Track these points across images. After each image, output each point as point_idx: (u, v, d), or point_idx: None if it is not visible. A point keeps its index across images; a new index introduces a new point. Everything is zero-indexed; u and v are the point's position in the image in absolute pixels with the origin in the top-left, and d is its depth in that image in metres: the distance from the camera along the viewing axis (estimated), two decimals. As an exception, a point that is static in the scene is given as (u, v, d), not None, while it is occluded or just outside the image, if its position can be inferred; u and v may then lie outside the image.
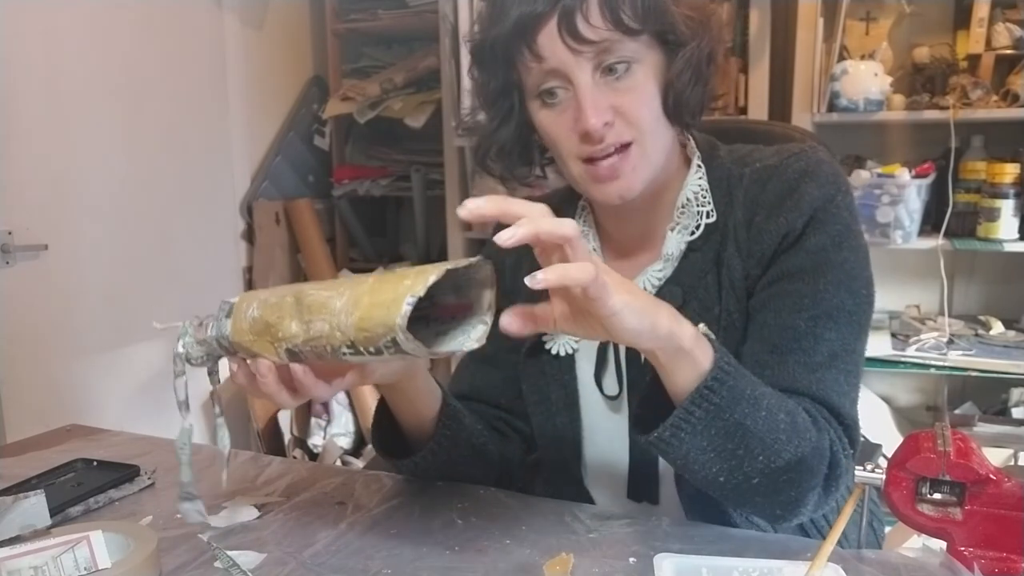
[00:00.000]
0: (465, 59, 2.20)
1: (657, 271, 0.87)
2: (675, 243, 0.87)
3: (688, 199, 0.87)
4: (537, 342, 0.93)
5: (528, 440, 0.99)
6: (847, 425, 0.78)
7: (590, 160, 0.79)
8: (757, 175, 0.84)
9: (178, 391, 0.71)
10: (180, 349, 0.70)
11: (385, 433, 0.86)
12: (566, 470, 0.95)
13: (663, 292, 0.86)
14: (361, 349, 0.61)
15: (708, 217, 0.85)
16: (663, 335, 0.65)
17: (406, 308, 0.58)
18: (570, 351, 0.92)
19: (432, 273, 0.58)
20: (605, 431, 0.92)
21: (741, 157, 0.88)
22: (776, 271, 0.81)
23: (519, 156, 0.89)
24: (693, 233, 0.86)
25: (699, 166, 0.88)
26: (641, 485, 0.90)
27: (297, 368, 0.67)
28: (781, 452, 0.70)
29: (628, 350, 0.89)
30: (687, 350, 0.67)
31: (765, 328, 0.81)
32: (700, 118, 0.85)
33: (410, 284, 0.59)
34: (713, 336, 0.70)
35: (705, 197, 0.86)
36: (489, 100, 0.84)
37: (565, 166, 0.82)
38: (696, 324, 0.82)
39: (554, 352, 0.93)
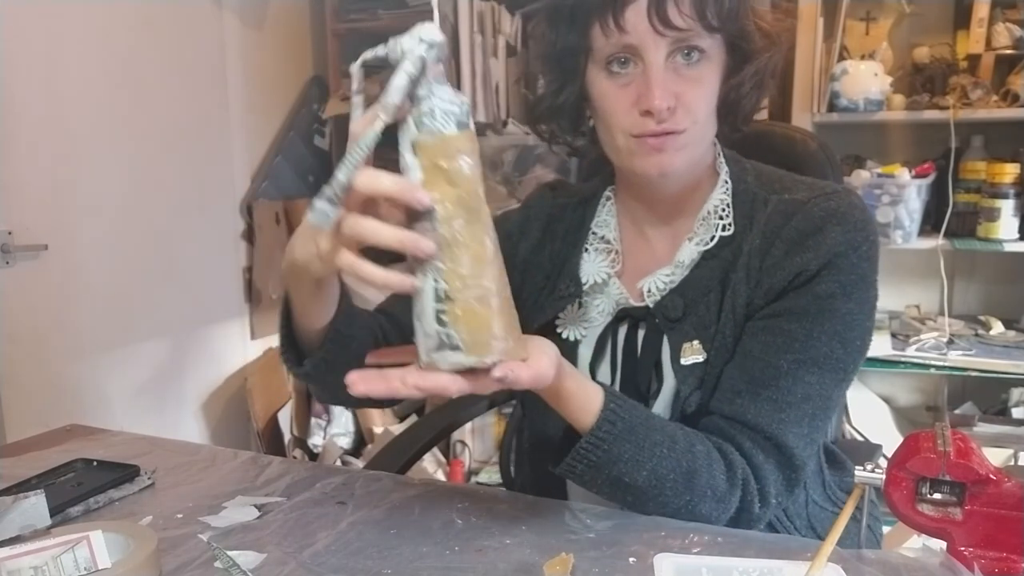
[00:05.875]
0: (465, 59, 2.22)
1: (666, 275, 0.88)
2: (689, 252, 0.88)
3: (710, 211, 0.88)
4: (550, 323, 0.93)
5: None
6: (795, 467, 0.80)
7: (639, 136, 0.81)
8: (783, 206, 0.85)
9: (395, 93, 0.63)
10: (411, 46, 0.63)
11: (289, 341, 0.82)
12: (549, 453, 0.94)
13: (666, 300, 0.87)
14: (437, 296, 0.62)
15: (725, 230, 0.87)
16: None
17: (475, 361, 0.63)
18: (579, 337, 0.92)
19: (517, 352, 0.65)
20: None
21: (769, 181, 0.89)
22: (780, 306, 0.82)
23: (569, 120, 0.90)
24: (707, 244, 0.87)
25: (726, 181, 0.89)
26: None
27: (407, 235, 0.62)
28: (667, 503, 0.77)
29: (625, 343, 0.89)
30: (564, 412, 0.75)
31: (749, 358, 0.82)
32: (748, 124, 0.89)
33: (497, 358, 0.64)
34: (611, 397, 0.75)
35: (726, 211, 0.88)
36: (554, 59, 0.86)
37: (611, 137, 0.84)
38: (691, 340, 0.85)
39: (564, 336, 0.93)
